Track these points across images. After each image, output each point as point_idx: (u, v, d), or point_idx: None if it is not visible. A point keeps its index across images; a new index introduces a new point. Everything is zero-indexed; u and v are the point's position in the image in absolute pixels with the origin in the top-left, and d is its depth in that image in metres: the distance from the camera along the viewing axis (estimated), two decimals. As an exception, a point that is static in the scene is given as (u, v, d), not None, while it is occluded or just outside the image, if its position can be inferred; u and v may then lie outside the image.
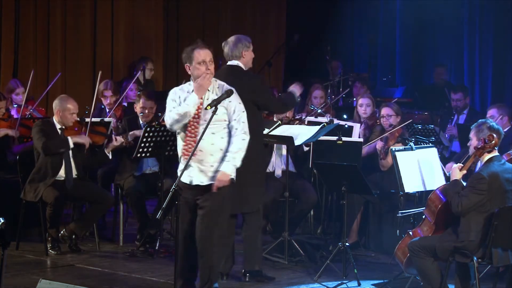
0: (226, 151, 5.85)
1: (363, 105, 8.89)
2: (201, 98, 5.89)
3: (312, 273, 7.24)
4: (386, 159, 8.02)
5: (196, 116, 5.87)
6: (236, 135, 5.87)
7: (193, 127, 5.87)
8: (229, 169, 5.83)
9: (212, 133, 5.82)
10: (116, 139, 7.94)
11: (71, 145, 7.72)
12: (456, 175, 6.22)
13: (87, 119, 8.10)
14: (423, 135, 8.48)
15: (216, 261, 6.02)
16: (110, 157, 7.99)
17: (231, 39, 6.86)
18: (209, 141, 5.82)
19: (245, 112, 5.95)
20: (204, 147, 5.82)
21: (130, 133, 8.08)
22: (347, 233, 7.78)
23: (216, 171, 5.84)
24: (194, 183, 5.89)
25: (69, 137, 7.73)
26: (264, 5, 13.63)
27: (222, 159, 5.84)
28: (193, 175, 5.89)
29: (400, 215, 7.12)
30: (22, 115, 8.65)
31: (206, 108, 5.77)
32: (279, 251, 7.58)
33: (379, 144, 8.14)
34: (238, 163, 5.87)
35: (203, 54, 5.93)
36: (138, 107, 8.24)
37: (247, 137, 5.90)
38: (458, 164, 6.33)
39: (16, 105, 9.00)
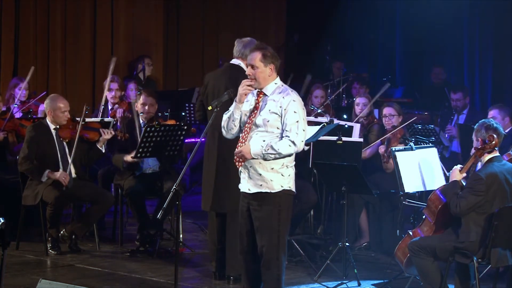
0: (277, 161, 5.58)
1: (360, 104, 8.90)
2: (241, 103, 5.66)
3: (312, 273, 7.24)
4: (389, 161, 7.99)
5: (249, 121, 5.64)
6: (286, 139, 5.54)
7: (245, 133, 5.66)
8: (256, 151, 5.51)
9: (263, 141, 5.57)
10: (105, 133, 7.94)
11: (43, 179, 7.65)
12: (455, 176, 6.22)
13: (93, 119, 8.14)
14: (423, 135, 8.47)
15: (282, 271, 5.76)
16: (104, 151, 7.99)
17: (246, 39, 6.93)
18: None
19: (300, 122, 5.57)
20: None
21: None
22: (351, 234, 7.82)
23: (265, 181, 5.60)
24: (242, 189, 5.70)
25: (46, 172, 7.65)
26: (263, 5, 13.64)
27: (272, 169, 5.60)
28: (243, 181, 5.70)
29: (406, 203, 7.13)
30: (23, 111, 8.66)
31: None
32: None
33: (381, 149, 8.13)
34: (267, 157, 5.53)
35: (249, 57, 5.72)
36: (138, 105, 8.24)
37: (294, 148, 5.54)
38: (459, 165, 6.33)
39: (18, 103, 9.00)
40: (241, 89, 5.64)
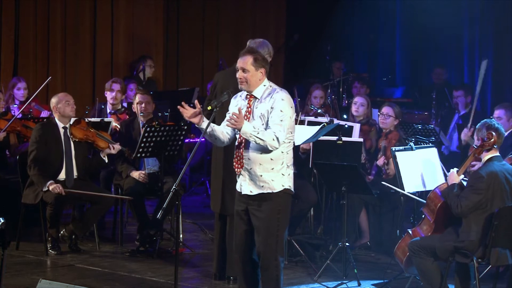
0: (277, 161, 5.62)
1: (357, 103, 8.85)
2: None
3: (312, 273, 7.24)
4: (390, 168, 7.96)
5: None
6: (271, 132, 5.51)
7: (241, 138, 5.64)
8: (247, 128, 5.46)
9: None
10: (113, 148, 7.93)
11: (44, 189, 7.59)
12: (454, 179, 6.21)
13: (92, 119, 8.12)
14: (423, 135, 8.47)
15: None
16: (106, 161, 7.98)
17: (259, 40, 6.91)
18: (258, 150, 5.59)
19: (284, 121, 5.53)
20: (252, 155, 5.61)
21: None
22: (351, 234, 7.81)
23: (267, 182, 5.62)
24: (243, 192, 5.69)
25: (49, 182, 7.58)
26: (263, 5, 13.64)
27: (272, 169, 5.62)
28: (243, 184, 5.70)
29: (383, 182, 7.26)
30: (23, 112, 8.66)
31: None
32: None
33: (380, 161, 8.12)
34: (251, 139, 5.48)
35: (240, 61, 5.68)
36: (135, 105, 8.25)
37: (276, 144, 5.50)
38: (455, 168, 6.32)
39: (17, 104, 8.99)
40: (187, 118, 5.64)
